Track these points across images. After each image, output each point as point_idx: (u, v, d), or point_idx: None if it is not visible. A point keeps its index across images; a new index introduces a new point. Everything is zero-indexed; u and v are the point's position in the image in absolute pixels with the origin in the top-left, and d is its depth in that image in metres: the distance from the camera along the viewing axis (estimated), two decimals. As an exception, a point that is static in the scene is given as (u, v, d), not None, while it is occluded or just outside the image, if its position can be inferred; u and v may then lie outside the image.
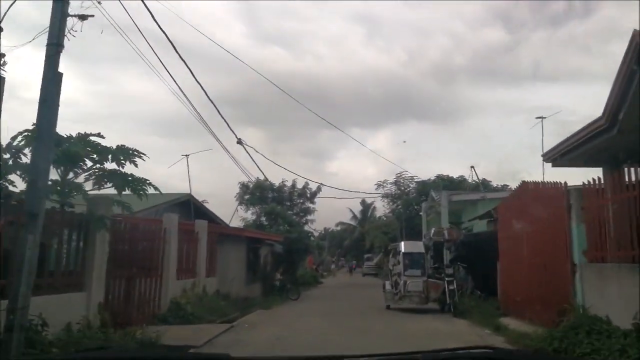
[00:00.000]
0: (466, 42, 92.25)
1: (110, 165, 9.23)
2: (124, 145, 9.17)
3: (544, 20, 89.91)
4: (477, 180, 21.05)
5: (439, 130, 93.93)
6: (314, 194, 33.15)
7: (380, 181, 37.05)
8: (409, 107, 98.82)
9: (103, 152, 8.84)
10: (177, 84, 15.01)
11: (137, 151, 9.33)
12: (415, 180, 36.65)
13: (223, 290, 16.73)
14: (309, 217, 33.08)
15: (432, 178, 38.22)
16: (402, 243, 16.02)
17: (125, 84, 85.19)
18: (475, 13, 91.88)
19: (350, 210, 73.97)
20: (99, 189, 9.07)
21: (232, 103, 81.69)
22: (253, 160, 22.33)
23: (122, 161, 9.20)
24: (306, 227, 32.34)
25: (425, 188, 37.22)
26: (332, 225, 77.30)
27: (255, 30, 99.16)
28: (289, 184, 32.74)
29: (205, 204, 31.21)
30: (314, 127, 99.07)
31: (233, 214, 27.33)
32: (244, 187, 31.66)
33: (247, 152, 16.85)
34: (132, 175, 9.30)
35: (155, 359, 2.04)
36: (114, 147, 9.13)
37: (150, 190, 9.83)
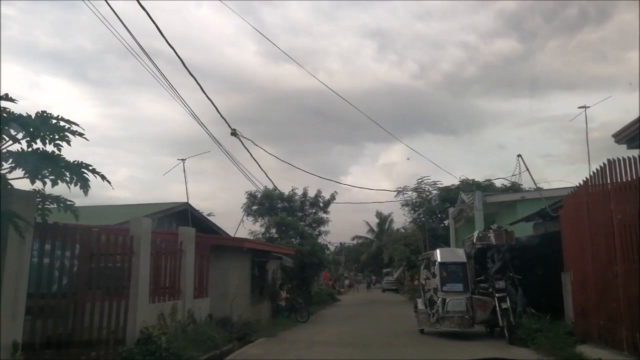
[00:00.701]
0: (479, 53, 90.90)
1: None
2: (47, 113, 6.27)
3: (557, 29, 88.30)
4: (526, 169, 17.47)
5: (453, 142, 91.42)
6: (328, 203, 30.13)
7: (400, 188, 33.96)
8: (422, 120, 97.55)
9: (12, 121, 5.94)
10: (185, 104, 12.53)
11: (70, 121, 6.43)
12: (438, 185, 33.43)
13: (220, 313, 13.74)
14: (322, 229, 30.02)
15: (456, 184, 35.01)
16: (438, 251, 12.87)
17: (141, 107, 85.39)
18: (488, 24, 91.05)
19: (367, 223, 70.70)
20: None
21: (246, 121, 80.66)
22: (251, 155, 19.16)
23: (48, 136, 6.32)
24: (320, 239, 29.26)
25: (449, 194, 33.97)
26: (348, 239, 74.08)
27: (268, 48, 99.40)
28: (299, 192, 29.81)
29: (211, 217, 28.56)
30: (326, 142, 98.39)
31: (238, 225, 24.53)
32: (251, 197, 28.78)
33: (243, 144, 14.00)
34: (62, 159, 6.41)
35: None
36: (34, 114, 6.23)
37: (97, 181, 6.88)
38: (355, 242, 73.40)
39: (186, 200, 20.05)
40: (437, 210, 34.32)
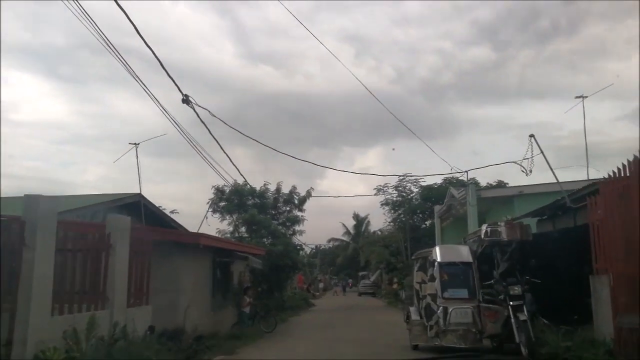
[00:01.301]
0: (455, 59, 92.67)
1: None
2: None
3: (530, 39, 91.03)
4: (540, 151, 15.39)
5: (431, 146, 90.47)
6: (303, 200, 27.51)
7: (380, 185, 31.59)
8: (399, 125, 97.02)
9: None
10: (158, 103, 10.26)
11: None
12: (420, 183, 31.17)
13: (170, 325, 11.08)
14: (297, 228, 27.41)
15: (438, 182, 32.88)
16: (437, 249, 10.37)
17: (116, 105, 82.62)
18: (463, 32, 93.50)
19: (343, 225, 68.28)
20: None
21: (226, 120, 78.33)
22: (206, 126, 16.56)
23: None
24: (294, 239, 26.66)
25: (430, 193, 31.79)
26: (324, 241, 71.62)
27: (246, 49, 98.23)
28: (272, 187, 27.16)
29: (175, 214, 25.72)
30: (304, 145, 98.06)
31: (202, 222, 21.75)
32: (218, 192, 26.01)
33: (195, 112, 11.33)
34: None
35: None
36: None
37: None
38: (331, 244, 71.01)
39: (140, 192, 17.25)
40: (419, 209, 32.08)
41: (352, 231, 67.23)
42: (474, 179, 31.99)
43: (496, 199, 17.64)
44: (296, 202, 27.50)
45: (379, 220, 70.82)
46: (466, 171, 17.29)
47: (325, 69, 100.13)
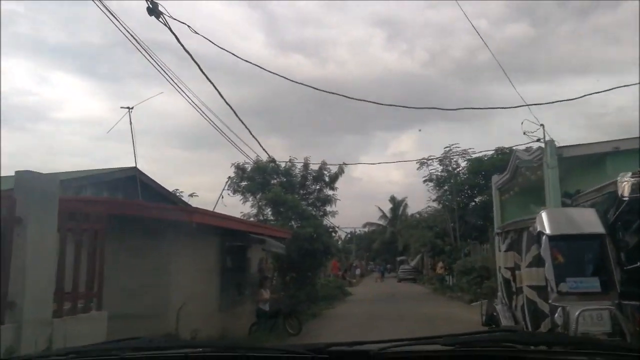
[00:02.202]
0: (491, 38, 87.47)
1: None
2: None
3: (569, 12, 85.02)
4: None
5: (466, 129, 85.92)
6: (335, 178, 23.95)
7: (425, 158, 27.65)
8: (434, 108, 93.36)
9: None
10: (186, 97, 7.33)
11: None
12: (470, 154, 27.07)
13: (156, 331, 7.76)
14: (328, 209, 23.89)
15: (489, 154, 28.72)
16: (545, 214, 6.38)
17: (151, 100, 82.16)
18: (499, 9, 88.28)
19: (379, 209, 64.54)
20: None
21: (255, 112, 76.35)
22: (180, 42, 13.12)
23: None
24: (325, 221, 23.16)
25: (481, 166, 27.68)
26: (359, 226, 68.12)
27: (277, 39, 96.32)
28: (299, 164, 23.65)
29: (193, 197, 22.62)
30: (337, 133, 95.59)
31: (217, 201, 18.46)
32: (239, 170, 22.72)
33: (170, 30, 7.95)
34: None
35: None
36: None
37: None
38: (367, 229, 67.46)
39: (135, 165, 14.03)
40: (469, 184, 28.03)
41: (388, 215, 63.45)
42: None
43: (583, 159, 13.58)
44: (327, 179, 23.95)
45: (418, 203, 67.10)
46: (542, 125, 13.37)
47: (357, 54, 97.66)
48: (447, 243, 25.89)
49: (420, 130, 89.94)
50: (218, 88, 10.62)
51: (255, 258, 14.51)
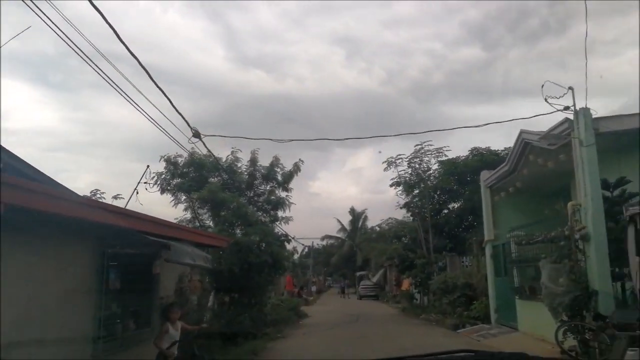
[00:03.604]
0: (445, 60, 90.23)
1: None
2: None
3: (519, 38, 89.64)
4: None
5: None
6: (289, 177, 19.68)
7: (392, 158, 23.67)
8: (390, 125, 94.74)
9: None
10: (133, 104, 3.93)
11: None
12: (445, 155, 23.33)
13: None
14: (281, 214, 19.54)
15: (463, 155, 25.17)
16: None
17: (106, 111, 77.97)
18: (453, 33, 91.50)
19: (338, 221, 60.50)
20: None
21: (214, 125, 72.14)
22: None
23: None
24: (277, 229, 18.77)
25: (457, 169, 24.03)
26: (317, 240, 63.90)
27: (237, 54, 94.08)
28: (244, 159, 19.22)
29: (118, 199, 17.77)
30: (296, 148, 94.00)
31: (128, 200, 13.73)
32: (169, 164, 18.11)
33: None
34: None
35: None
36: None
37: None
38: (325, 242, 63.18)
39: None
40: (441, 189, 24.26)
41: (348, 227, 59.50)
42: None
43: (622, 137, 9.75)
44: (279, 178, 19.63)
45: (377, 218, 64.01)
46: (570, 87, 9.52)
47: (316, 71, 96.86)
48: (419, 255, 21.90)
49: (380, 152, 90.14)
50: (178, 102, 6.84)
51: (169, 274, 9.99)
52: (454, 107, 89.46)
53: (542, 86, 9.59)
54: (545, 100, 9.69)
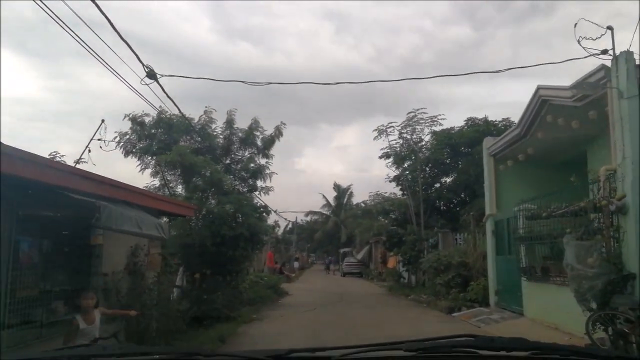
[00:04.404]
0: (434, 39, 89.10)
1: None
2: None
3: (508, 18, 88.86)
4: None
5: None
6: (270, 142, 17.86)
7: (383, 125, 21.89)
8: (377, 103, 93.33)
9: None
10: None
11: None
12: (440, 124, 21.56)
13: None
14: (260, 183, 17.78)
15: (458, 126, 23.55)
16: None
17: (87, 80, 74.65)
18: (443, 11, 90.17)
19: (323, 197, 59.02)
20: None
21: (199, 99, 69.57)
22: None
23: None
24: (255, 199, 17.00)
25: (451, 140, 22.42)
26: (301, 216, 62.44)
27: (224, 26, 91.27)
28: (219, 120, 17.31)
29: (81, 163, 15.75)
30: (279, 121, 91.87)
31: (80, 156, 11.74)
32: (135, 123, 16.16)
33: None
34: None
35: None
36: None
37: None
38: (309, 218, 61.68)
39: None
40: (433, 161, 22.65)
41: (332, 203, 58.02)
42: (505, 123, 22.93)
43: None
44: (259, 143, 17.81)
45: (362, 194, 62.91)
46: (609, 27, 7.82)
47: (305, 45, 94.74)
48: (409, 231, 20.37)
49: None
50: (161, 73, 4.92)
51: (118, 247, 8.23)
52: (442, 86, 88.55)
53: (575, 25, 7.88)
54: (578, 42, 8.00)
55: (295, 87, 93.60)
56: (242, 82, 9.41)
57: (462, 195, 22.51)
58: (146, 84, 8.30)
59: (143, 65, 8.22)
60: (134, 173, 16.56)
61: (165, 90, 10.08)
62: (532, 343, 1.77)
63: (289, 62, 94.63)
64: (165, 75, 8.70)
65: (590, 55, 8.10)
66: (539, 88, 10.09)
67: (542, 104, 10.09)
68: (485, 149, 13.76)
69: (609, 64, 7.94)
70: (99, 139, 11.37)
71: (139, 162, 16.11)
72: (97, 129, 11.35)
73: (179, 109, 12.84)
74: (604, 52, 7.95)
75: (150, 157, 15.73)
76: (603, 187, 7.63)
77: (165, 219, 12.61)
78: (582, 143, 11.11)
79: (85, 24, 7.21)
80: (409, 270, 21.57)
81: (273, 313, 14.69)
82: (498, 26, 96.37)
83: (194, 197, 14.51)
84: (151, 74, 8.29)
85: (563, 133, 10.47)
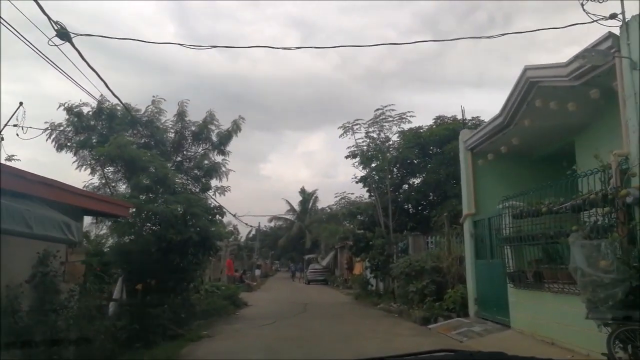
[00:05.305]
0: (397, 48, 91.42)
1: None
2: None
3: (468, 30, 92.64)
4: None
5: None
6: (227, 137, 16.13)
7: (349, 122, 20.41)
8: (342, 110, 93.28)
9: None
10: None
11: None
12: (410, 121, 20.16)
13: None
14: (216, 182, 16.01)
15: (426, 125, 22.40)
16: None
17: (45, 84, 71.41)
18: (406, 21, 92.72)
19: (287, 202, 57.29)
20: None
21: (164, 104, 67.32)
22: None
23: None
24: (209, 199, 15.22)
25: (420, 139, 21.22)
26: (265, 222, 60.61)
27: (189, 31, 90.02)
28: (168, 112, 15.49)
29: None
30: (246, 129, 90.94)
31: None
32: (71, 113, 14.17)
33: None
34: None
35: None
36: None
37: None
38: (273, 224, 59.83)
39: None
40: (401, 162, 21.36)
41: (297, 208, 56.34)
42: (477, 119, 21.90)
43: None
44: (214, 138, 16.06)
45: (328, 200, 61.67)
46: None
47: (270, 52, 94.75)
48: (378, 235, 18.95)
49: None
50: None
51: (22, 252, 6.43)
52: (405, 94, 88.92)
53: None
54: (582, 5, 6.70)
55: (260, 93, 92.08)
56: (180, 44, 7.66)
57: (431, 197, 21.30)
58: (55, 45, 6.51)
59: (52, 22, 6.43)
60: (69, 170, 14.55)
61: (107, 82, 8.33)
62: (510, 357, 1.78)
63: (254, 68, 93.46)
64: (81, 35, 6.92)
65: (595, 20, 6.83)
66: (526, 69, 8.80)
67: (530, 86, 8.81)
68: (462, 142, 12.46)
69: (617, 32, 6.68)
70: (14, 125, 9.41)
71: (75, 158, 14.11)
72: (14, 114, 9.41)
73: (113, 93, 10.95)
74: (612, 16, 6.68)
75: (88, 152, 13.75)
76: (615, 174, 6.32)
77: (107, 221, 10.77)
78: (570, 133, 9.93)
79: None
80: (377, 276, 20.12)
81: (228, 328, 12.91)
82: (459, 37, 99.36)
83: (139, 197, 12.66)
84: (63, 33, 6.50)
85: (553, 120, 9.24)
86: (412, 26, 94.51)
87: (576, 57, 6.85)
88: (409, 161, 21.31)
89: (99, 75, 10.06)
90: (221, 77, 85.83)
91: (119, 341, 9.19)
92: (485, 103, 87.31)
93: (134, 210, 12.16)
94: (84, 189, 13.88)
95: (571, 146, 10.11)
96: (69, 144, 13.85)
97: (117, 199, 10.49)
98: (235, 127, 16.03)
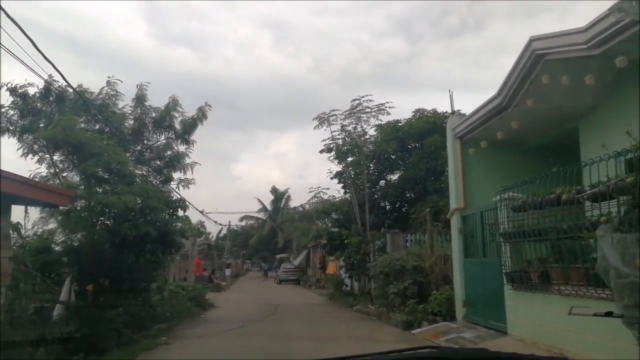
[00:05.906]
0: (370, 50, 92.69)
1: None
2: None
3: (440, 34, 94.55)
4: None
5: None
6: (191, 126, 14.62)
7: (325, 113, 19.10)
8: (315, 111, 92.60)
9: None
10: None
11: None
12: (388, 113, 18.89)
13: None
14: (179, 175, 14.49)
15: (404, 118, 21.30)
16: None
17: (11, 80, 67.68)
18: (379, 24, 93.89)
19: (259, 201, 55.66)
20: None
21: (120, 86, 64.59)
22: None
23: None
24: (170, 192, 13.69)
25: (399, 132, 20.10)
26: (235, 221, 58.88)
27: (161, 29, 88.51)
28: (127, 93, 13.90)
29: None
30: (218, 129, 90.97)
31: None
32: (16, 95, 12.45)
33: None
34: None
35: None
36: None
37: None
38: (244, 223, 58.11)
39: None
40: (379, 157, 20.18)
41: (269, 207, 54.80)
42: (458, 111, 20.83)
43: None
44: (178, 126, 14.53)
45: (300, 200, 60.31)
46: None
47: (243, 53, 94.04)
48: (353, 232, 17.71)
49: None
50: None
51: None
52: (378, 96, 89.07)
53: None
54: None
55: (233, 93, 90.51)
56: None
57: (409, 194, 20.20)
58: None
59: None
60: (11, 157, 12.82)
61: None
62: (493, 353, 1.74)
63: (227, 68, 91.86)
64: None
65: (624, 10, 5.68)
66: (531, 40, 7.63)
67: (536, 60, 7.66)
68: (450, 130, 11.31)
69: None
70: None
71: (19, 145, 12.39)
72: None
73: (56, 70, 9.33)
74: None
75: (32, 137, 12.06)
76: (652, 155, 5.18)
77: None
78: (573, 119, 8.85)
79: None
80: (352, 276, 18.88)
81: (189, 333, 11.43)
82: (431, 41, 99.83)
83: (90, 187, 11.08)
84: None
85: (558, 101, 8.14)
86: (385, 29, 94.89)
87: (610, 11, 5.68)
88: (386, 156, 20.15)
89: (44, 55, 8.52)
90: (192, 77, 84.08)
91: (67, 349, 7.84)
92: (466, 106, 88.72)
93: (83, 201, 10.65)
94: (28, 175, 12.25)
95: (571, 134, 9.04)
96: (11, 127, 12.15)
97: (54, 186, 8.93)
98: (201, 115, 14.53)
